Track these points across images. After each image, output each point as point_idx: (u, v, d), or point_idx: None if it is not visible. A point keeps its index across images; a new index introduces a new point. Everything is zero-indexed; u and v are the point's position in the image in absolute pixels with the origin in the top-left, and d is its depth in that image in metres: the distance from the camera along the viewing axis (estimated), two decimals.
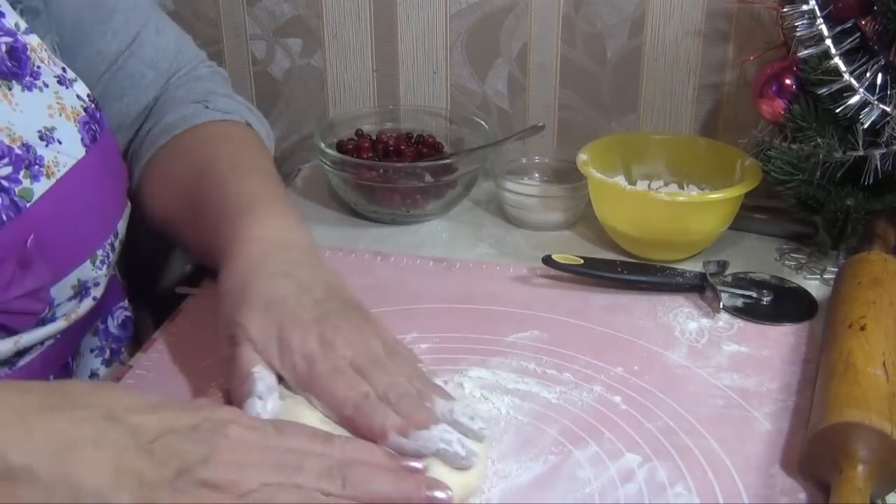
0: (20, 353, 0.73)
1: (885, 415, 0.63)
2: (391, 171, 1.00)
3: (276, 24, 1.17)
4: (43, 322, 0.73)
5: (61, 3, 0.83)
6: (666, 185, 1.01)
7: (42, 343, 0.75)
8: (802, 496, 0.64)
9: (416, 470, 0.60)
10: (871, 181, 0.86)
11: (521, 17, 1.10)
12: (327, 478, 0.57)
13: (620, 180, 0.99)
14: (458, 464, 0.61)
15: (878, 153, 0.85)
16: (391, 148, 1.07)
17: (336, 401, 0.64)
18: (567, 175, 1.03)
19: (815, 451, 0.64)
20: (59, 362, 0.79)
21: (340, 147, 1.06)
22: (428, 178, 1.01)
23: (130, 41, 0.88)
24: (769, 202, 0.98)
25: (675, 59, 1.08)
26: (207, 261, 0.81)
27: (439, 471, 0.61)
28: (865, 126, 0.84)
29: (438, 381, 0.68)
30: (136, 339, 0.92)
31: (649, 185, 1.01)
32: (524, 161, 1.08)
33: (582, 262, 0.89)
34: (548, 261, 0.89)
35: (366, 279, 0.90)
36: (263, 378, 0.65)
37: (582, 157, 0.95)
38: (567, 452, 0.67)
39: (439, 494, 0.59)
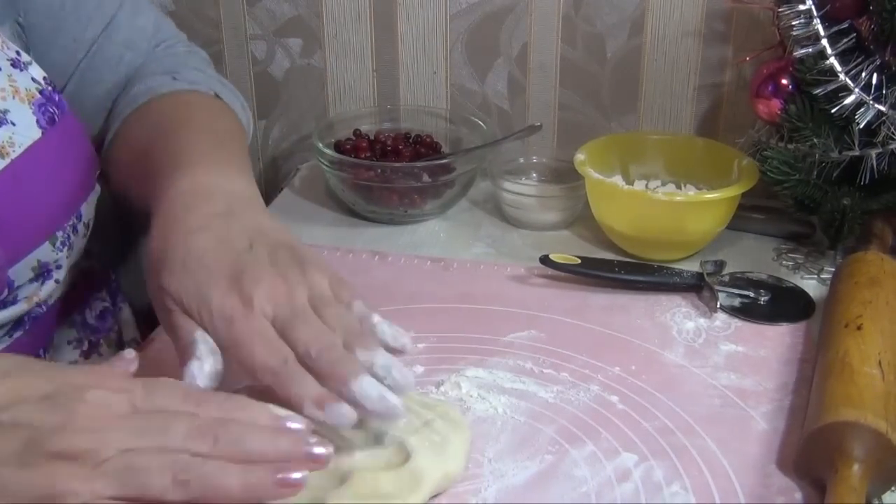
0: None
1: (881, 414, 0.63)
2: (389, 170, 1.01)
3: (276, 24, 1.17)
4: (4, 305, 0.73)
5: None
6: (663, 184, 1.01)
7: (10, 334, 0.75)
8: (798, 495, 0.64)
9: (295, 429, 0.56)
10: (868, 181, 0.86)
11: (521, 17, 1.10)
12: (197, 437, 0.53)
13: (618, 180, 0.99)
14: (380, 418, 0.59)
15: (873, 153, 0.85)
16: (389, 148, 1.07)
17: (255, 369, 0.60)
18: (565, 175, 1.03)
19: (810, 450, 0.64)
20: (31, 354, 0.78)
21: (338, 147, 1.07)
22: (426, 177, 1.01)
23: (105, 25, 0.88)
24: (766, 202, 0.98)
25: (675, 59, 1.09)
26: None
27: (421, 457, 0.62)
28: (861, 126, 0.84)
29: (432, 380, 0.68)
30: (119, 333, 0.92)
31: (647, 185, 1.01)
32: (522, 161, 1.09)
33: (579, 261, 0.89)
34: (545, 260, 0.89)
35: (363, 279, 0.90)
36: (206, 340, 0.62)
37: (579, 157, 0.95)
38: (564, 452, 0.67)
39: (318, 450, 0.55)
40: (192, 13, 1.18)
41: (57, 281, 0.77)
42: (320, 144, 1.03)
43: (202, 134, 0.79)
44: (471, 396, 0.73)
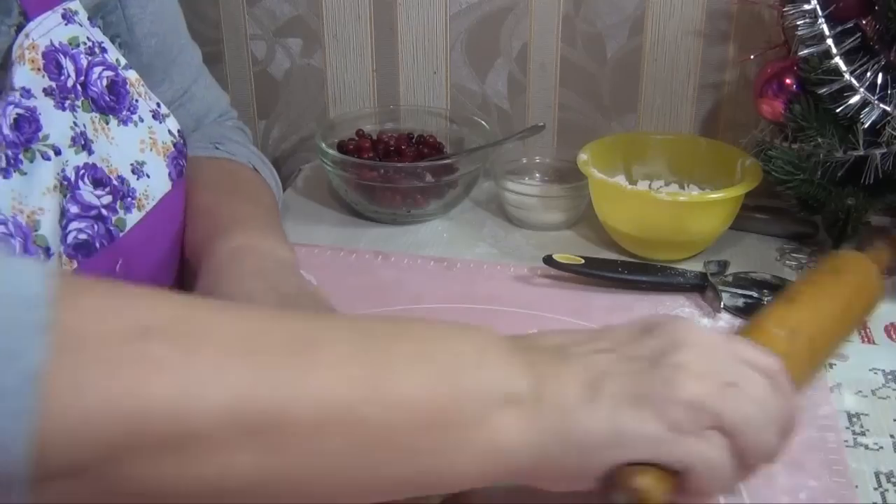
0: None
1: None
2: (392, 171, 1.00)
3: (276, 24, 1.17)
4: None
5: (139, 45, 0.85)
6: (667, 185, 1.01)
7: None
8: (803, 496, 0.64)
9: None
10: (872, 181, 0.86)
11: (521, 17, 1.10)
12: None
13: (621, 180, 0.99)
14: None
15: (878, 153, 0.85)
16: (392, 148, 1.07)
17: None
18: (568, 175, 1.03)
19: None
20: None
21: (341, 147, 1.06)
22: (429, 178, 1.01)
23: (182, 93, 0.91)
24: (770, 202, 0.98)
25: (675, 59, 1.09)
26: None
27: None
28: (866, 126, 0.84)
29: None
30: None
31: (650, 185, 1.01)
32: (524, 161, 1.09)
33: (583, 261, 0.89)
34: (549, 261, 0.89)
35: (366, 279, 0.90)
36: None
37: (582, 157, 0.95)
38: None
39: None
40: (192, 13, 1.17)
41: None
42: (323, 145, 1.03)
43: (248, 205, 0.83)
44: None
